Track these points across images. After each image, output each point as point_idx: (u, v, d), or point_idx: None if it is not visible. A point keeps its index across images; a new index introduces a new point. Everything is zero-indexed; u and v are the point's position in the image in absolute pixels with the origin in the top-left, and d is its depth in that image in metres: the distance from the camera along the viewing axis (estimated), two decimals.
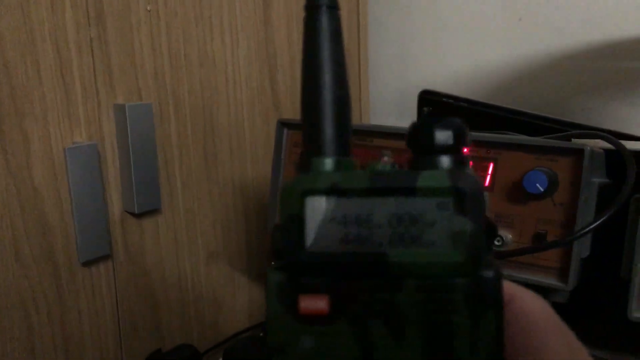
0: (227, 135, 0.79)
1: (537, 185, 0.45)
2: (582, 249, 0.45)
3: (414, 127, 0.21)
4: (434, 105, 0.87)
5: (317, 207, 0.20)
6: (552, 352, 0.21)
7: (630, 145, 0.50)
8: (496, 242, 0.48)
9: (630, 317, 0.42)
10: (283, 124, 0.59)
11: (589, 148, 0.44)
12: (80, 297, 0.66)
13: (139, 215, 0.70)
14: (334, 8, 0.22)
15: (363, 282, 0.20)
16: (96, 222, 0.65)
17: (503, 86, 0.95)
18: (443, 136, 0.21)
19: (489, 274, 0.20)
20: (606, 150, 0.49)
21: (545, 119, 0.74)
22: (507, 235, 0.48)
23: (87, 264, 0.65)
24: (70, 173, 0.62)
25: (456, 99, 0.86)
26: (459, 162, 0.21)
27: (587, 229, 0.41)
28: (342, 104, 0.22)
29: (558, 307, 0.48)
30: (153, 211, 0.71)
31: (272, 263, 0.21)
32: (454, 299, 0.20)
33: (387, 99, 1.08)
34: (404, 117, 1.05)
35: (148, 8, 0.68)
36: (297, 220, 0.20)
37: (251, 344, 0.76)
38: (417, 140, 0.21)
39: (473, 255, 0.19)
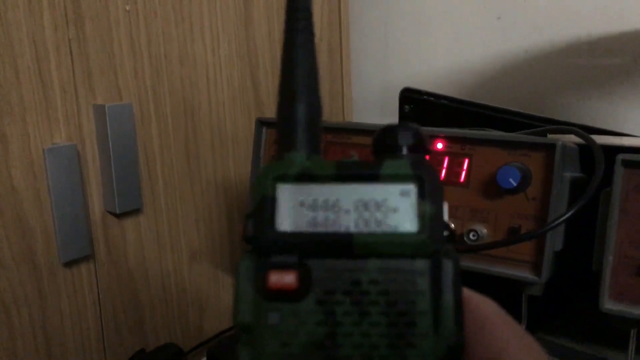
0: (209, 134, 0.80)
1: (510, 180, 0.46)
2: (554, 242, 0.46)
3: (379, 131, 0.23)
4: (415, 103, 0.88)
5: (288, 192, 0.22)
6: (512, 352, 0.21)
7: (604, 140, 0.51)
8: (471, 237, 0.48)
9: (602, 309, 0.42)
10: (262, 123, 0.59)
11: (560, 143, 0.45)
12: (62, 298, 0.66)
13: (120, 215, 0.70)
14: (309, 33, 0.25)
15: (330, 261, 0.21)
16: (77, 222, 0.65)
17: (483, 83, 0.96)
18: (405, 136, 0.23)
19: (448, 258, 0.21)
20: (581, 146, 0.50)
21: (524, 116, 0.75)
22: (482, 229, 0.48)
23: (68, 264, 0.65)
24: (50, 173, 0.62)
25: (437, 96, 0.87)
26: (419, 158, 0.23)
27: (557, 222, 0.42)
28: (314, 108, 0.24)
29: (533, 300, 0.48)
30: (134, 211, 0.71)
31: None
32: (415, 279, 0.21)
33: (369, 97, 1.08)
34: (386, 114, 1.05)
35: (127, 8, 0.68)
36: (268, 204, 0.22)
37: (235, 343, 0.76)
38: (382, 142, 0.23)
39: (434, 237, 0.21)
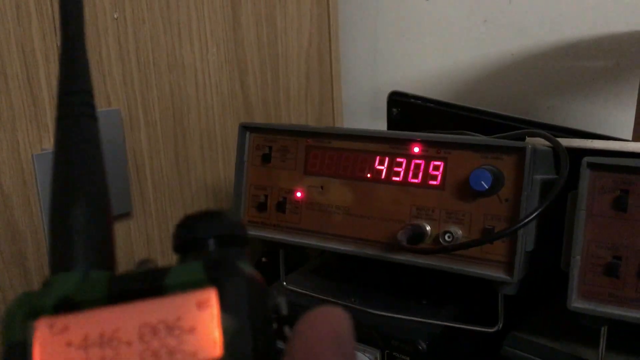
0: (198, 138, 0.81)
1: (482, 182, 0.47)
2: (526, 243, 0.47)
3: (177, 224, 0.19)
4: (403, 106, 0.89)
5: (48, 330, 0.17)
6: None
7: (573, 142, 0.52)
8: (447, 238, 0.50)
9: (570, 307, 0.44)
10: (245, 128, 0.61)
11: (530, 146, 0.46)
12: None
13: None
14: (89, 117, 0.20)
15: None
16: None
17: (470, 86, 0.97)
18: (208, 227, 0.19)
19: None
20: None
21: (508, 118, 0.76)
22: (457, 231, 0.50)
23: None
24: (39, 179, 0.63)
25: (424, 99, 0.88)
26: (231, 252, 0.18)
27: (523, 222, 0.43)
28: (96, 211, 0.19)
29: (508, 299, 0.50)
30: (124, 214, 0.72)
31: None
32: None
33: (359, 101, 1.09)
34: (376, 118, 1.07)
35: (115, 16, 0.69)
36: (20, 352, 0.17)
37: None
38: (181, 237, 0.19)
39: None
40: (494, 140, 0.49)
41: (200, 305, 0.17)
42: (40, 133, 0.63)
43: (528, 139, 0.57)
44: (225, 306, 0.16)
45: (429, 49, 1.01)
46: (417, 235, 0.50)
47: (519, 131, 0.55)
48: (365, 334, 0.54)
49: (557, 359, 0.48)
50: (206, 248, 0.18)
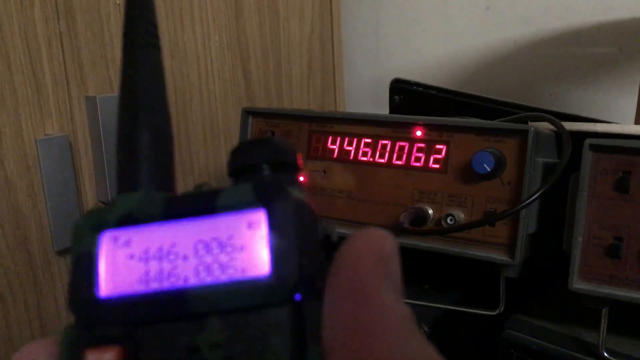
0: (200, 125, 0.81)
1: (485, 165, 0.47)
2: (528, 225, 0.47)
3: (231, 150, 0.20)
4: (405, 94, 0.89)
5: (111, 243, 0.18)
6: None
7: (577, 126, 0.52)
8: (449, 221, 0.50)
9: (571, 288, 0.44)
10: (248, 112, 0.61)
11: (532, 129, 0.46)
12: (56, 285, 0.67)
13: None
14: (153, 47, 0.21)
15: (162, 325, 0.17)
16: (70, 212, 0.66)
17: (472, 74, 0.97)
18: (260, 153, 0.19)
19: (311, 301, 0.17)
20: (558, 132, 0.51)
21: (510, 105, 0.76)
22: (459, 214, 0.50)
23: (62, 252, 0.67)
24: (43, 164, 0.63)
25: (426, 87, 0.88)
26: (282, 177, 0.19)
27: (524, 204, 0.43)
28: (160, 137, 0.21)
29: (510, 282, 0.50)
30: None
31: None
32: (267, 336, 0.17)
33: (361, 89, 1.09)
34: (378, 105, 1.07)
35: (117, 1, 0.69)
36: (87, 261, 0.18)
37: None
38: (236, 163, 0.20)
39: (287, 278, 0.17)
40: (497, 123, 0.50)
41: (250, 225, 0.17)
42: (43, 118, 0.64)
43: (530, 122, 0.57)
44: (273, 227, 0.17)
45: (431, 37, 1.00)
46: (420, 218, 0.51)
47: (522, 114, 0.55)
48: None
49: (558, 341, 0.49)
50: (259, 173, 0.19)
